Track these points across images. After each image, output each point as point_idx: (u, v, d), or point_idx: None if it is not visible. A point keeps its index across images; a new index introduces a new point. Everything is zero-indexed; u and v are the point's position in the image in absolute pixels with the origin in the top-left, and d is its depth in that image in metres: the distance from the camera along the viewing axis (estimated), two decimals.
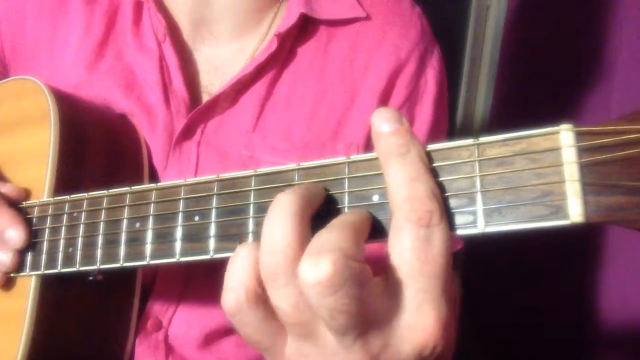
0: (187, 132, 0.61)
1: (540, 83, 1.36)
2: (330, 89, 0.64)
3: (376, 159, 0.34)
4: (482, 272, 1.37)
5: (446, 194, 0.32)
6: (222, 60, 0.65)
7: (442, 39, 0.70)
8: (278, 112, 0.63)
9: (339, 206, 0.35)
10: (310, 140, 0.63)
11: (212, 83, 0.64)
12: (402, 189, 0.30)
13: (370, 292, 0.29)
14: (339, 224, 0.30)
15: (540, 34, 1.40)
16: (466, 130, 1.63)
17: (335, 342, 0.30)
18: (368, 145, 0.64)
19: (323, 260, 0.27)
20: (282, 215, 0.30)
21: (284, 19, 0.63)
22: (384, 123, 0.32)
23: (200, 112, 0.61)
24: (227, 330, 0.62)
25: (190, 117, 0.61)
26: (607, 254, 1.10)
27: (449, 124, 0.73)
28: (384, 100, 0.64)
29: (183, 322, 0.61)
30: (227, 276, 0.32)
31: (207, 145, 0.62)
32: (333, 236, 0.29)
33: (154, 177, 0.62)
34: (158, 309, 0.61)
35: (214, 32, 0.65)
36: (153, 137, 0.62)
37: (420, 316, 0.30)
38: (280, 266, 0.29)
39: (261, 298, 0.31)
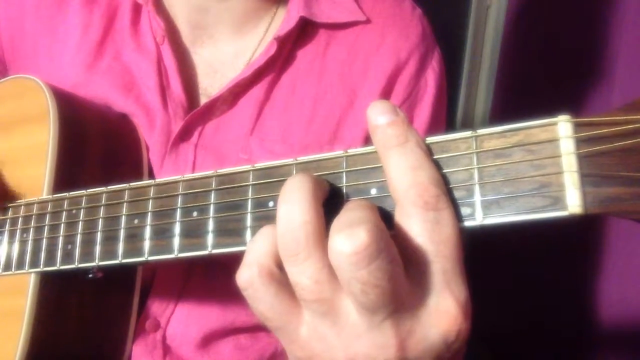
0: (184, 134, 0.61)
1: (540, 83, 1.36)
2: (329, 91, 0.64)
3: (373, 152, 0.34)
4: (482, 272, 1.37)
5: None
6: (220, 62, 0.65)
7: (442, 39, 0.70)
8: (276, 115, 0.63)
9: (337, 200, 0.34)
10: (308, 143, 0.63)
11: (211, 86, 0.64)
12: (405, 177, 0.30)
13: (400, 271, 0.29)
14: (357, 205, 0.30)
15: (540, 33, 1.40)
16: (466, 130, 1.63)
17: (361, 321, 0.29)
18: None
19: (359, 230, 0.27)
20: (298, 194, 0.30)
21: (284, 22, 0.63)
22: (379, 115, 0.32)
23: (198, 114, 0.61)
24: (226, 332, 0.62)
25: (187, 119, 0.61)
26: (607, 254, 1.09)
27: (449, 124, 0.73)
28: None
29: (181, 322, 0.61)
30: (245, 254, 0.32)
31: (204, 148, 0.62)
32: (359, 212, 0.29)
33: (151, 177, 0.61)
34: (156, 308, 0.61)
35: (212, 35, 0.65)
36: (150, 137, 0.62)
37: (443, 300, 0.30)
38: (301, 242, 0.29)
39: (275, 276, 0.31)
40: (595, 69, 1.15)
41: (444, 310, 0.29)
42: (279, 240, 0.30)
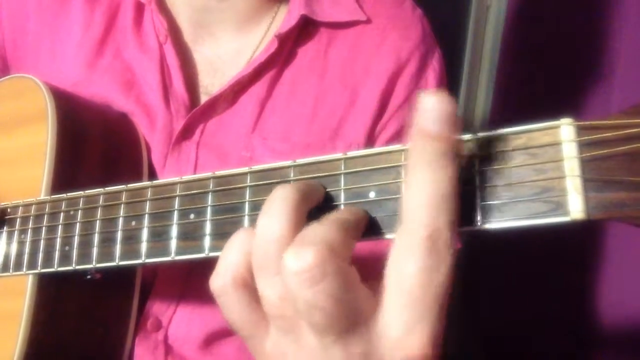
0: (186, 132, 0.61)
1: (540, 83, 1.36)
2: (330, 89, 0.64)
3: (373, 154, 0.34)
4: (482, 273, 1.36)
5: None
6: (222, 61, 0.65)
7: (442, 39, 0.70)
8: (278, 112, 0.63)
9: (335, 203, 0.34)
10: (310, 141, 0.63)
11: (212, 84, 0.64)
12: (425, 210, 0.27)
13: (353, 295, 0.28)
14: (330, 220, 0.30)
15: (540, 34, 1.40)
16: (466, 130, 1.62)
17: (315, 341, 0.29)
18: (367, 146, 0.64)
19: (306, 251, 0.27)
20: (279, 206, 0.30)
21: (285, 20, 0.63)
22: (437, 120, 0.27)
23: (200, 112, 0.61)
24: (229, 332, 0.62)
25: (189, 117, 0.61)
26: (606, 253, 1.09)
27: None
28: (384, 101, 0.64)
29: (183, 322, 0.61)
30: (219, 259, 0.32)
31: (206, 146, 0.62)
32: (321, 229, 0.28)
33: (153, 177, 0.61)
34: (158, 308, 0.60)
35: (214, 34, 0.65)
36: (152, 136, 0.62)
37: (413, 336, 0.28)
38: (272, 256, 0.29)
39: (248, 285, 0.31)
40: (596, 69, 1.14)
41: (408, 345, 0.28)
42: (253, 250, 0.30)
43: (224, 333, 0.62)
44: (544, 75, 1.35)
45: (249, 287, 0.31)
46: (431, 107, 0.28)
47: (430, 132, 0.27)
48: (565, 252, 1.15)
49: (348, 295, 0.28)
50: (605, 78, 1.12)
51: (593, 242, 1.11)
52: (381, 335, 0.28)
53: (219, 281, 0.31)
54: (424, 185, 0.27)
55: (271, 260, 0.29)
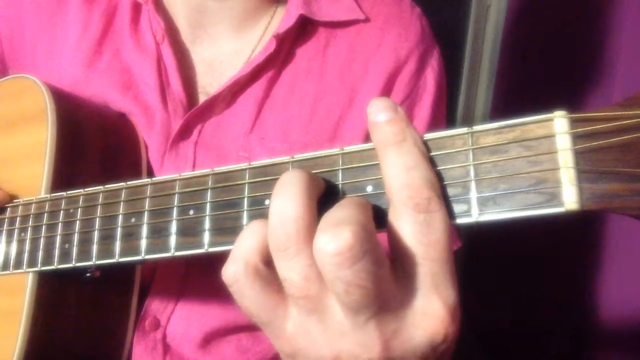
0: (184, 133, 0.61)
1: (540, 83, 1.36)
2: (329, 89, 0.64)
3: (369, 149, 0.34)
4: (482, 272, 1.36)
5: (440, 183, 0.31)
6: (220, 61, 0.65)
7: (442, 39, 0.70)
8: (276, 113, 0.63)
9: (333, 197, 0.34)
10: (308, 141, 0.63)
11: (210, 84, 0.64)
12: (399, 177, 0.30)
13: (385, 273, 0.29)
14: (349, 203, 0.30)
15: (540, 33, 1.40)
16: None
17: (346, 320, 0.29)
18: None
19: (343, 231, 0.27)
20: (293, 189, 0.30)
21: (283, 20, 0.63)
22: (379, 112, 0.32)
23: (197, 112, 0.61)
24: (227, 331, 0.62)
25: (187, 117, 0.61)
26: (606, 252, 1.09)
27: (450, 123, 0.73)
28: None
29: (182, 321, 0.61)
30: (233, 248, 0.32)
31: (204, 146, 0.62)
32: (348, 211, 0.29)
33: (151, 176, 0.61)
34: (156, 307, 0.60)
35: (212, 34, 0.65)
36: (150, 136, 0.62)
37: (430, 302, 0.29)
38: (292, 237, 0.29)
39: (261, 273, 0.31)
40: (596, 69, 1.14)
41: (431, 313, 0.29)
42: (269, 234, 0.30)
43: (222, 332, 0.62)
44: (544, 75, 1.35)
45: (262, 274, 0.31)
46: (374, 103, 0.33)
47: (380, 121, 0.32)
48: (564, 251, 1.15)
49: (383, 272, 0.28)
50: (606, 78, 1.12)
51: (593, 240, 1.11)
52: (407, 308, 0.30)
53: (232, 268, 0.31)
54: (392, 161, 0.31)
55: (291, 241, 0.29)
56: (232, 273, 0.31)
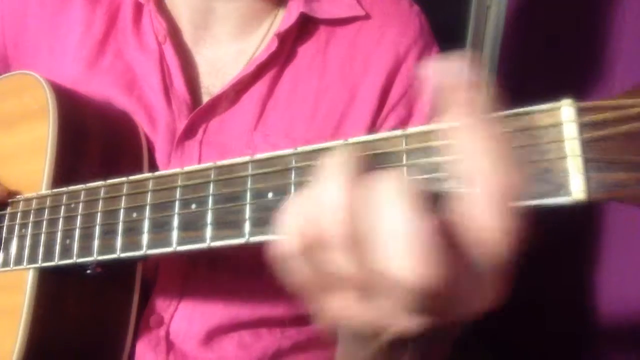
0: (189, 132, 0.62)
1: (540, 83, 1.36)
2: (331, 87, 0.64)
3: (375, 140, 0.34)
4: None
5: None
6: (223, 62, 0.65)
7: (441, 38, 0.70)
8: (279, 110, 0.63)
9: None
10: (311, 138, 0.63)
11: (213, 84, 0.64)
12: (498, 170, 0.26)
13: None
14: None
15: (540, 33, 1.40)
16: None
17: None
18: None
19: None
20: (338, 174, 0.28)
21: (284, 18, 0.63)
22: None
23: (202, 112, 0.62)
24: (230, 328, 0.62)
25: (192, 117, 0.61)
26: (606, 250, 1.09)
27: None
28: (383, 96, 0.65)
29: (185, 318, 0.61)
30: (282, 221, 0.30)
31: (209, 144, 0.62)
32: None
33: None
34: (160, 304, 0.60)
35: (215, 35, 0.65)
36: (155, 136, 0.62)
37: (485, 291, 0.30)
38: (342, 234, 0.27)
39: (317, 246, 0.29)
40: (596, 69, 1.15)
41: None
42: (323, 220, 0.28)
43: (225, 329, 0.62)
44: (544, 75, 1.35)
45: (318, 247, 0.29)
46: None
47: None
48: (566, 249, 1.14)
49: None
50: (606, 78, 1.12)
51: (594, 238, 1.11)
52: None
53: (287, 244, 0.29)
54: (485, 148, 0.26)
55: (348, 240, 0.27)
56: (288, 248, 0.29)
